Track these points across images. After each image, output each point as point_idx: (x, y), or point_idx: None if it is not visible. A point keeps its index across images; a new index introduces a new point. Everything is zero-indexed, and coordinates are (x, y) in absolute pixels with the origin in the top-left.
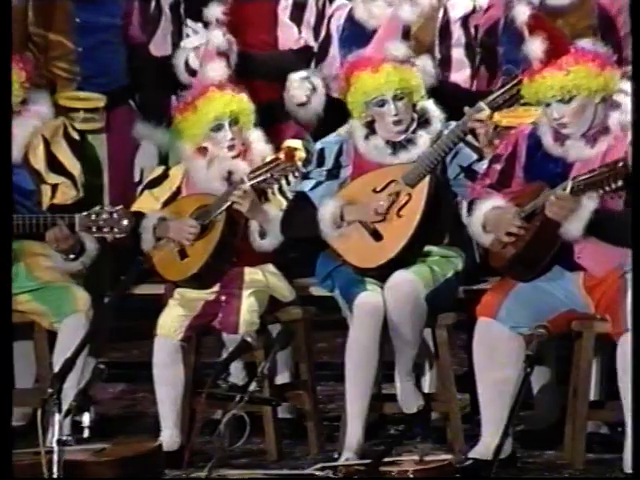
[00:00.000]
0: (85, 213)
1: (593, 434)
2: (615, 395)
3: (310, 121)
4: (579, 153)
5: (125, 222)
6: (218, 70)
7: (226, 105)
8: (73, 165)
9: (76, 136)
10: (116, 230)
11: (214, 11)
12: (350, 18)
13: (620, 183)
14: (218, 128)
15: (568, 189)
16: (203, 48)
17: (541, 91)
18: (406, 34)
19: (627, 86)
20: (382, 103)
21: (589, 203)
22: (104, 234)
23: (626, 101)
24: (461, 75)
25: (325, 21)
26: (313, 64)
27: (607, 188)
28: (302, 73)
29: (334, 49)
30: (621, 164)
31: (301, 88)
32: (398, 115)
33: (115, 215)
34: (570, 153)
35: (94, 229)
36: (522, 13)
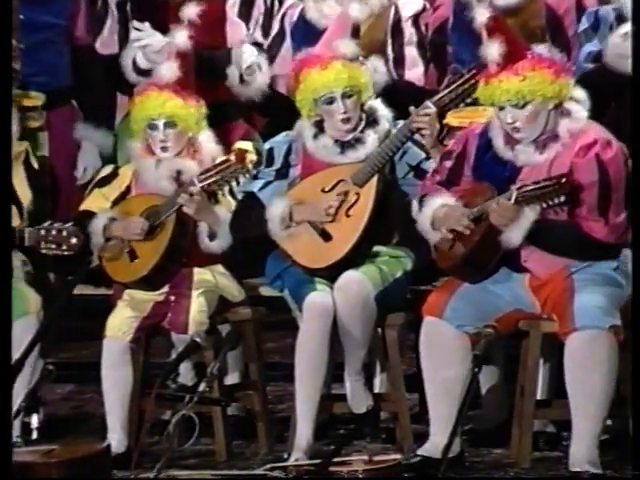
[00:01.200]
0: (35, 228)
1: (539, 432)
2: (561, 394)
3: (251, 99)
4: (528, 158)
5: (74, 240)
6: (171, 70)
7: (159, 106)
8: (24, 194)
9: (36, 165)
10: (64, 247)
11: (189, 11)
12: (302, 18)
13: (563, 199)
14: (152, 127)
15: (512, 199)
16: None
17: (496, 95)
18: (355, 32)
19: (579, 93)
20: (331, 100)
21: (530, 214)
22: (52, 250)
23: (576, 109)
24: (415, 73)
25: (277, 20)
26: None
27: (550, 202)
28: (251, 49)
29: (286, 48)
30: (564, 180)
31: (247, 59)
32: (347, 113)
33: (64, 232)
34: (519, 157)
35: (43, 244)
36: (481, 15)
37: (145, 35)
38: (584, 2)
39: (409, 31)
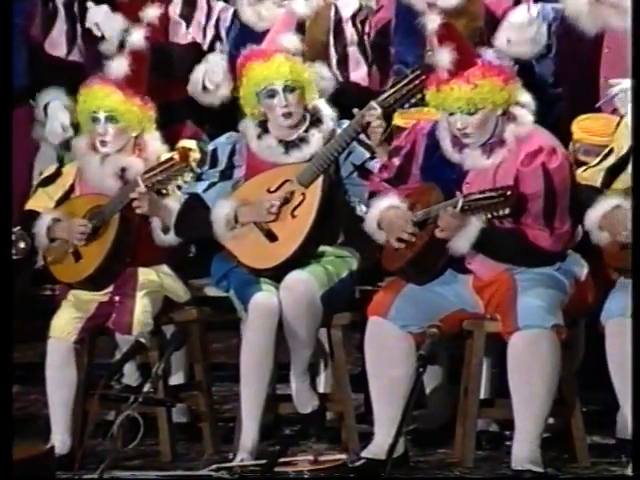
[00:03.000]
0: None
1: (483, 432)
2: (504, 393)
3: (213, 106)
4: (475, 162)
5: (22, 245)
6: (120, 67)
7: (100, 99)
8: None
9: None
10: (13, 252)
11: (150, 13)
12: (236, 20)
13: (508, 211)
14: (94, 121)
15: (458, 207)
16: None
17: (448, 102)
18: (301, 29)
19: (525, 98)
20: (272, 93)
21: (477, 222)
22: None
23: (522, 113)
24: (360, 73)
25: (212, 25)
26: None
27: (495, 214)
28: (220, 56)
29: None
30: (509, 193)
31: (218, 69)
32: (288, 107)
33: (12, 237)
34: (466, 161)
35: None
36: (432, 21)
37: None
38: (522, 3)
39: (350, 31)
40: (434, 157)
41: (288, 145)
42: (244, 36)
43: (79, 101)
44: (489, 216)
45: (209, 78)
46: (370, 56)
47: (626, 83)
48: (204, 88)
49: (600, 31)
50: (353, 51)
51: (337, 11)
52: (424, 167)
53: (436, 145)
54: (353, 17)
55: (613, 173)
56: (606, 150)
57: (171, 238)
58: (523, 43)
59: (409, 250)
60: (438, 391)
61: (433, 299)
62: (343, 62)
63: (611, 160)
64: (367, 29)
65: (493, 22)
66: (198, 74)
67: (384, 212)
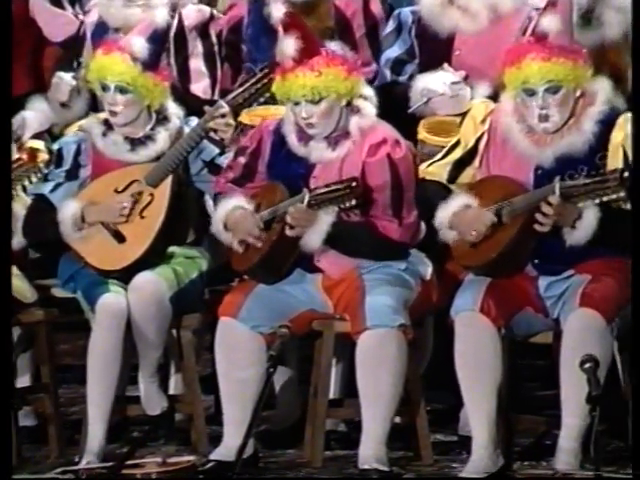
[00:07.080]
0: None
1: (331, 432)
2: (353, 393)
3: (70, 123)
4: (321, 155)
5: None
6: None
7: None
8: None
9: None
10: None
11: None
12: (99, 17)
13: (354, 202)
14: None
15: (305, 202)
16: None
17: (293, 90)
18: (158, 40)
19: (368, 91)
20: (104, 87)
21: (326, 217)
22: None
23: (365, 105)
24: (201, 85)
25: (79, 19)
26: (76, 63)
27: (342, 206)
28: (69, 75)
29: (87, 49)
30: (355, 184)
31: (65, 87)
32: (113, 106)
33: None
34: (312, 155)
35: None
36: (277, 10)
37: None
38: (371, 6)
39: (193, 43)
40: (281, 153)
41: (134, 143)
42: (102, 31)
43: None
44: (337, 209)
45: (53, 95)
46: (219, 64)
47: (433, 84)
48: (62, 106)
49: (451, 33)
50: (195, 63)
51: (180, 20)
52: (271, 164)
53: (282, 141)
54: (202, 27)
55: (459, 167)
56: (451, 143)
57: (14, 243)
58: None
59: (258, 250)
60: (288, 391)
61: (283, 299)
62: (184, 74)
63: (458, 153)
64: (215, 39)
65: (342, 22)
66: (51, 90)
67: (230, 213)
